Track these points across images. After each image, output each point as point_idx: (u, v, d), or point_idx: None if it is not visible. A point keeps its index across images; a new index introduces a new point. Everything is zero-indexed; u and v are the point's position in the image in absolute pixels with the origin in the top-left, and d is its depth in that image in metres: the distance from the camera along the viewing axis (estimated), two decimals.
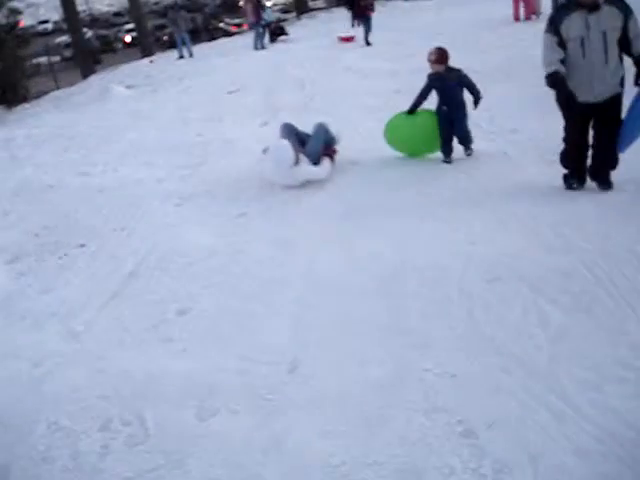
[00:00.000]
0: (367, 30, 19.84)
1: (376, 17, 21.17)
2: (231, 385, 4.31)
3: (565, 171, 6.73)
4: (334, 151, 8.61)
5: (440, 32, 17.50)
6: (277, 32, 23.64)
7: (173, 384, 4.41)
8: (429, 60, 8.02)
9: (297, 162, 7.91)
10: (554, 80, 6.08)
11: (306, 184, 8.02)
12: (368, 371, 4.26)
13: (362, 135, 9.86)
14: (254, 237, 6.83)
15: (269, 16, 23.38)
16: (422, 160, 8.38)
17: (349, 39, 20.82)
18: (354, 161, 8.68)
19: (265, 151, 8.27)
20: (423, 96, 8.17)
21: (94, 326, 5.48)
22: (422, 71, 10.97)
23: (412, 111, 8.22)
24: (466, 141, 8.19)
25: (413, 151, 8.49)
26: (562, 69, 6.06)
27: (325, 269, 5.80)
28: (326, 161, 8.30)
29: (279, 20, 25.43)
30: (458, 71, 8.01)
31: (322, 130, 8.49)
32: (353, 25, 23.41)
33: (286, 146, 7.87)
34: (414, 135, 8.33)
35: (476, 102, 7.92)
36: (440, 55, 7.96)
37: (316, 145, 8.29)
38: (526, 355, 4.18)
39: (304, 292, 5.46)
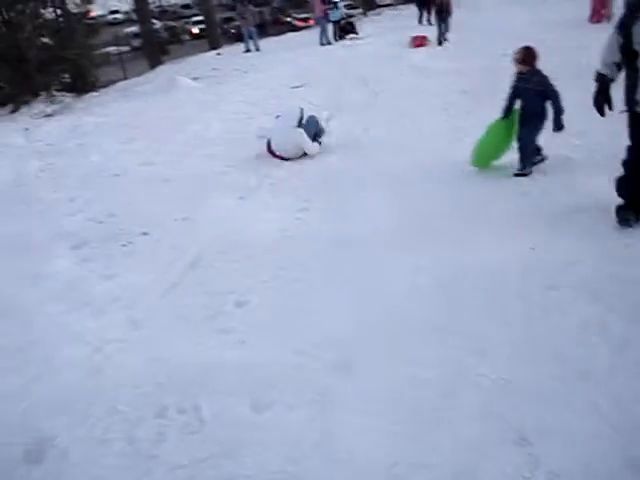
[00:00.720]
0: (445, 29, 19.31)
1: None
2: (286, 378, 4.35)
3: (620, 201, 6.03)
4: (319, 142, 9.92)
5: (505, 31, 17.33)
6: (347, 30, 23.48)
7: (229, 375, 4.47)
8: (514, 59, 7.56)
9: (300, 126, 9.59)
10: (599, 83, 5.75)
11: (370, 183, 8.04)
12: (422, 372, 4.25)
13: (425, 136, 9.81)
14: (315, 233, 6.86)
15: (336, 14, 23.25)
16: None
17: (422, 40, 19.47)
18: (418, 163, 8.65)
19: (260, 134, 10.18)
20: (509, 99, 7.69)
21: (154, 314, 5.57)
22: (489, 70, 10.85)
23: (505, 116, 7.73)
24: (523, 155, 7.63)
25: (492, 159, 8.10)
26: (614, 74, 5.69)
27: (385, 269, 5.80)
28: (316, 144, 9.79)
29: (347, 17, 25.22)
30: (543, 77, 7.39)
31: (314, 121, 9.93)
32: (421, 22, 23.21)
33: (297, 108, 9.88)
34: (494, 146, 7.96)
35: (556, 120, 7.30)
36: (524, 54, 7.45)
37: (309, 130, 9.65)
38: (584, 364, 4.12)
39: (362, 290, 5.46)
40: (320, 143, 9.89)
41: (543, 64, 7.56)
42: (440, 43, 19.01)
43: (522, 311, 4.82)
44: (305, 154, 9.64)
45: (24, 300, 6.14)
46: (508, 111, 7.70)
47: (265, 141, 9.87)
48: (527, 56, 7.46)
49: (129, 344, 5.15)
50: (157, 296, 5.90)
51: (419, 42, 19.12)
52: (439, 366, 4.30)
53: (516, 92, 7.59)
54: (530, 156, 7.66)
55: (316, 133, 9.87)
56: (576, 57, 12.18)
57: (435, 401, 3.99)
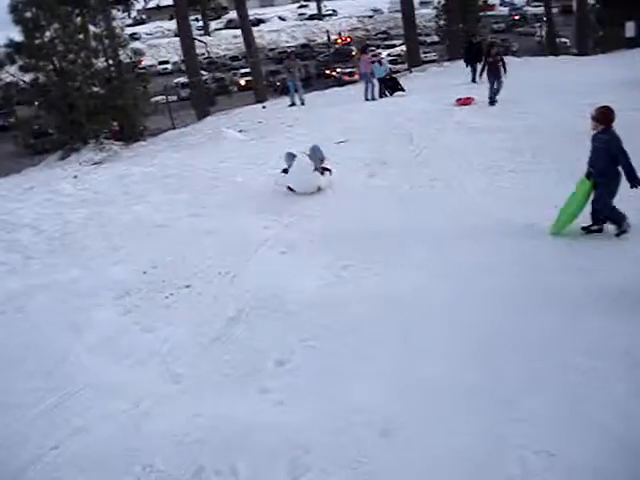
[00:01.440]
0: (498, 88, 17.78)
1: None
2: (324, 444, 4.31)
3: None
4: (327, 168, 11.31)
5: (552, 90, 17.32)
6: (392, 86, 23.54)
7: (267, 436, 4.45)
8: (591, 117, 7.48)
9: (315, 169, 10.95)
10: None
11: (410, 246, 8.04)
12: (462, 441, 4.19)
13: (469, 193, 9.79)
14: (355, 291, 6.85)
15: (380, 70, 23.41)
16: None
17: (467, 101, 18.64)
18: (460, 220, 8.63)
19: (287, 168, 11.21)
20: (589, 160, 7.56)
21: (194, 369, 5.59)
22: (535, 130, 10.81)
23: (588, 176, 7.52)
24: (595, 216, 7.56)
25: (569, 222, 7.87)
26: None
27: (425, 331, 5.76)
28: (326, 174, 11.21)
29: (392, 72, 25.25)
30: (612, 137, 7.30)
31: (317, 149, 11.30)
32: (474, 80, 23.09)
33: (307, 158, 11.09)
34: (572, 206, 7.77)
35: (628, 176, 7.16)
36: (599, 113, 7.40)
37: (315, 159, 11.06)
38: (632, 439, 4.02)
39: (402, 353, 5.43)
40: (330, 171, 11.37)
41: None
42: (492, 103, 17.78)
43: (563, 380, 4.73)
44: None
45: (66, 350, 6.22)
46: (590, 172, 7.53)
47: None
48: (602, 115, 7.40)
49: (168, 399, 5.17)
50: (198, 351, 5.92)
51: (464, 102, 18.45)
52: (478, 435, 4.23)
53: (592, 152, 7.52)
54: (600, 216, 7.60)
55: (321, 159, 11.30)
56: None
57: (474, 474, 3.91)
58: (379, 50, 45.88)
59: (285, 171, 11.33)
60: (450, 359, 5.22)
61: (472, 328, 5.68)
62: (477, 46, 24.17)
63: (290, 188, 11.16)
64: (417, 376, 5.02)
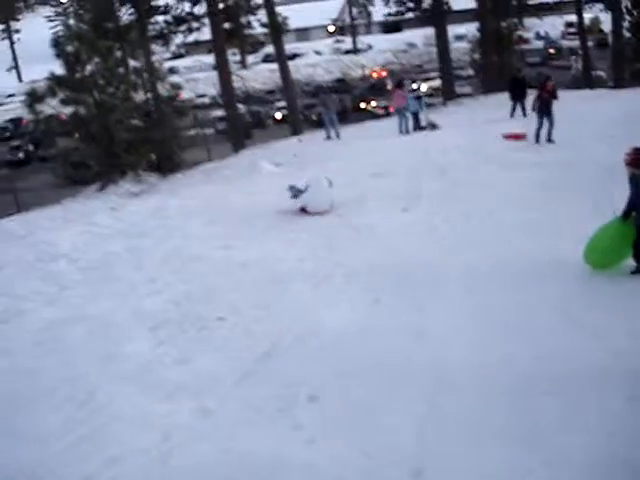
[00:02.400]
0: (551, 124, 16.58)
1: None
2: None
3: None
4: None
5: (589, 124, 17.24)
6: (429, 127, 23.32)
7: (297, 474, 4.42)
8: (624, 160, 7.42)
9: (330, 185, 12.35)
10: None
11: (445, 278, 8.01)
12: None
13: (504, 229, 9.74)
14: (386, 325, 6.83)
15: (414, 105, 23.35)
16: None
17: (518, 137, 17.33)
18: (494, 256, 8.59)
19: (292, 189, 12.40)
20: (627, 202, 7.44)
21: (226, 403, 5.60)
22: (570, 164, 10.75)
23: (626, 216, 7.43)
24: (637, 254, 7.45)
25: (609, 262, 7.73)
26: None
27: (455, 367, 5.72)
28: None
29: (426, 105, 25.00)
30: None
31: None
32: (513, 115, 22.72)
33: (321, 176, 12.54)
34: (610, 246, 7.60)
35: None
36: (633, 159, 7.33)
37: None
38: None
39: (432, 390, 5.39)
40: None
41: None
42: (538, 140, 16.61)
43: (602, 422, 4.65)
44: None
45: (98, 381, 6.27)
46: (626, 214, 7.44)
47: (297, 202, 12.28)
48: (635, 161, 7.32)
49: (199, 432, 5.18)
50: (229, 384, 5.93)
51: (514, 137, 17.31)
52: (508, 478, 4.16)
53: (632, 194, 7.37)
54: None
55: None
56: None
57: None
58: (417, 83, 46.11)
59: (295, 196, 12.31)
60: (481, 397, 5.16)
61: (504, 366, 5.62)
62: (522, 81, 23.90)
63: (304, 209, 12.16)
64: (447, 413, 4.97)
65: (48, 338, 7.55)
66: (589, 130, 15.31)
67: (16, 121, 64.31)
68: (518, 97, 22.98)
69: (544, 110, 16.80)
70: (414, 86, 37.15)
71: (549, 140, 16.60)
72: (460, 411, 4.99)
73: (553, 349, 5.83)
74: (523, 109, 22.72)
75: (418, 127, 23.28)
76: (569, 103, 23.66)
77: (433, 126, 22.78)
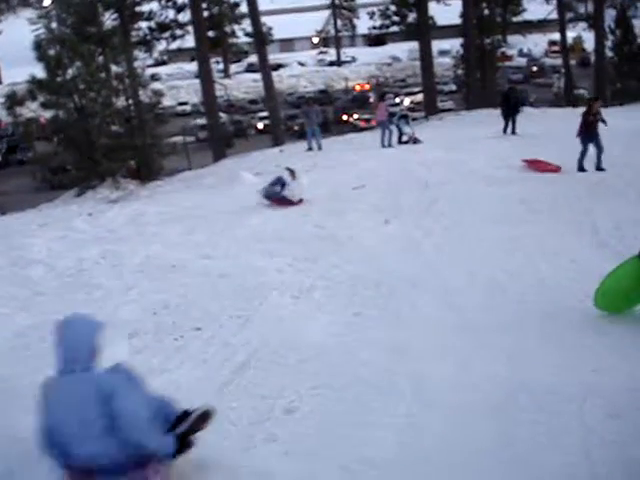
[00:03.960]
0: (600, 150, 14.80)
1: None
2: None
3: None
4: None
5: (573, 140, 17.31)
6: (411, 141, 23.28)
7: None
8: None
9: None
10: None
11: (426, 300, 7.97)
12: None
13: (486, 246, 9.73)
14: (366, 339, 6.77)
15: (404, 128, 23.23)
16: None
17: (550, 168, 15.16)
18: (474, 273, 8.56)
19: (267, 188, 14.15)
20: None
21: None
22: (553, 180, 10.78)
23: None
24: None
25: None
26: None
27: (436, 383, 5.66)
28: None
29: (407, 118, 24.91)
30: None
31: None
32: (505, 131, 22.31)
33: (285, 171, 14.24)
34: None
35: None
36: None
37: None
38: None
39: (412, 405, 5.32)
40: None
41: None
42: (582, 169, 14.90)
43: (582, 439, 4.61)
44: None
45: None
46: None
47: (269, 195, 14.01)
48: None
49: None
50: (206, 396, 5.81)
51: (543, 168, 15.12)
52: None
53: None
54: None
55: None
56: None
57: None
58: (400, 98, 46.26)
59: (269, 197, 13.99)
60: (462, 413, 5.10)
61: (484, 380, 5.58)
62: (514, 96, 23.22)
63: (286, 198, 13.73)
64: (427, 430, 4.91)
65: (20, 344, 7.41)
66: (570, 145, 15.29)
67: None
68: (510, 113, 22.39)
69: (590, 135, 14.96)
70: (397, 101, 37.23)
71: (599, 169, 14.76)
72: (439, 428, 4.92)
73: (539, 371, 5.79)
74: (514, 126, 22.25)
75: (400, 141, 23.32)
76: (551, 120, 23.91)
77: (415, 140, 22.82)
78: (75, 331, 4.06)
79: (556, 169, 14.98)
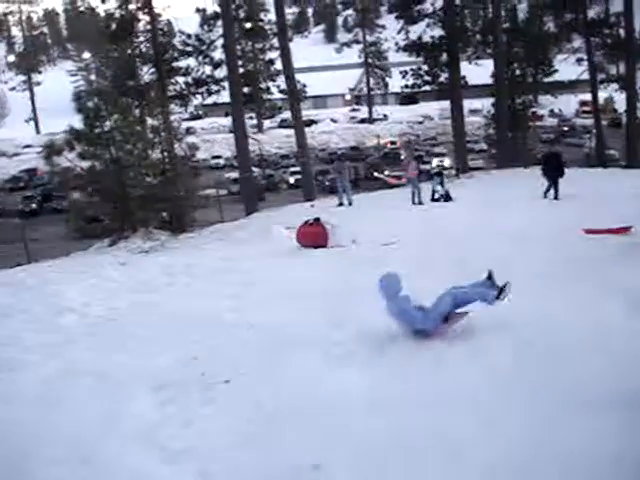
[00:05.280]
0: None
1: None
2: None
3: None
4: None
5: (603, 199, 17.21)
6: (442, 199, 23.31)
7: None
8: None
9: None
10: None
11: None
12: None
13: (516, 301, 9.63)
14: (402, 395, 6.67)
15: (436, 186, 23.34)
16: None
17: (623, 230, 13.65)
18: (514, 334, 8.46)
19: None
20: None
21: (227, 469, 5.45)
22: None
23: None
24: None
25: None
26: None
27: (469, 443, 5.56)
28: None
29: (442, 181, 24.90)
30: None
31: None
32: (546, 195, 20.56)
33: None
34: None
35: None
36: None
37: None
38: None
39: (443, 467, 5.23)
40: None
41: None
42: None
43: None
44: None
45: (98, 439, 6.15)
46: None
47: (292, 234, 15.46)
48: None
49: None
50: (234, 450, 5.78)
51: (619, 231, 13.60)
52: None
53: None
54: None
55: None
56: None
57: None
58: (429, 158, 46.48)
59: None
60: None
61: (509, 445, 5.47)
62: (557, 157, 21.56)
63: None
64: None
65: (51, 391, 7.44)
66: (603, 207, 15.18)
67: (30, 172, 65.40)
68: (552, 176, 20.67)
69: None
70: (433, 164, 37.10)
71: None
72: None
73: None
74: (556, 191, 20.53)
75: (433, 198, 23.40)
76: (587, 180, 23.59)
77: (447, 197, 22.89)
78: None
79: (625, 230, 13.53)
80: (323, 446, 5.69)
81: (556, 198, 20.34)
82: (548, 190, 20.73)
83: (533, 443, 5.30)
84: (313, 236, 15.49)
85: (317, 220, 15.97)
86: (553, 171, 20.73)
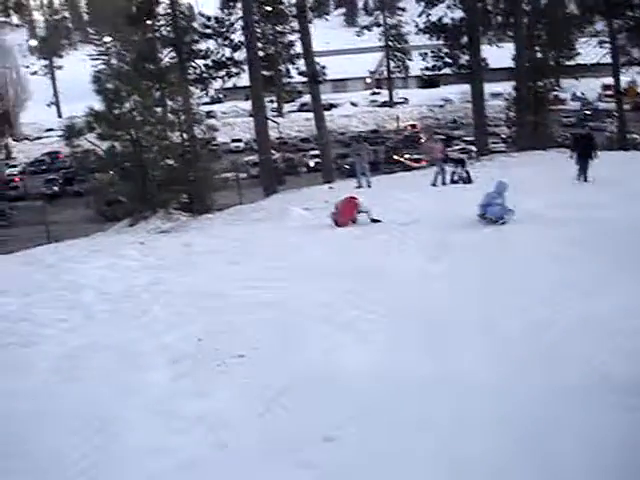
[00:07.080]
0: None
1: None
2: None
3: None
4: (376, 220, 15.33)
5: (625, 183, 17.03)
6: (461, 181, 23.20)
7: None
8: None
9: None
10: None
11: None
12: None
13: (537, 288, 9.62)
14: (407, 372, 6.73)
15: (457, 169, 23.20)
16: None
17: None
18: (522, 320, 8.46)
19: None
20: None
21: (241, 438, 5.54)
22: (601, 221, 10.48)
23: None
24: None
25: None
26: None
27: (476, 415, 5.60)
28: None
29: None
30: None
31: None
32: (583, 178, 19.73)
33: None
34: None
35: None
36: None
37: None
38: None
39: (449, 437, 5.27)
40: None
41: None
42: None
43: None
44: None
45: (115, 409, 6.26)
46: None
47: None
48: None
49: (213, 466, 5.12)
50: (246, 421, 5.87)
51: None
52: None
53: None
54: None
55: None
56: None
57: None
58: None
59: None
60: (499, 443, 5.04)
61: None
62: (588, 139, 20.90)
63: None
64: (466, 460, 4.86)
65: (69, 364, 7.57)
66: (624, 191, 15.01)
67: (52, 155, 65.86)
68: (583, 159, 19.96)
69: None
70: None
71: None
72: (480, 458, 4.88)
73: None
74: (585, 173, 19.87)
75: (452, 180, 23.25)
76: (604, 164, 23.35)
77: (468, 179, 22.75)
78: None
79: None
80: (336, 420, 5.75)
81: (585, 180, 19.66)
82: (580, 173, 19.91)
83: None
84: (349, 210, 15.62)
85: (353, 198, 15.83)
86: (584, 152, 19.96)
